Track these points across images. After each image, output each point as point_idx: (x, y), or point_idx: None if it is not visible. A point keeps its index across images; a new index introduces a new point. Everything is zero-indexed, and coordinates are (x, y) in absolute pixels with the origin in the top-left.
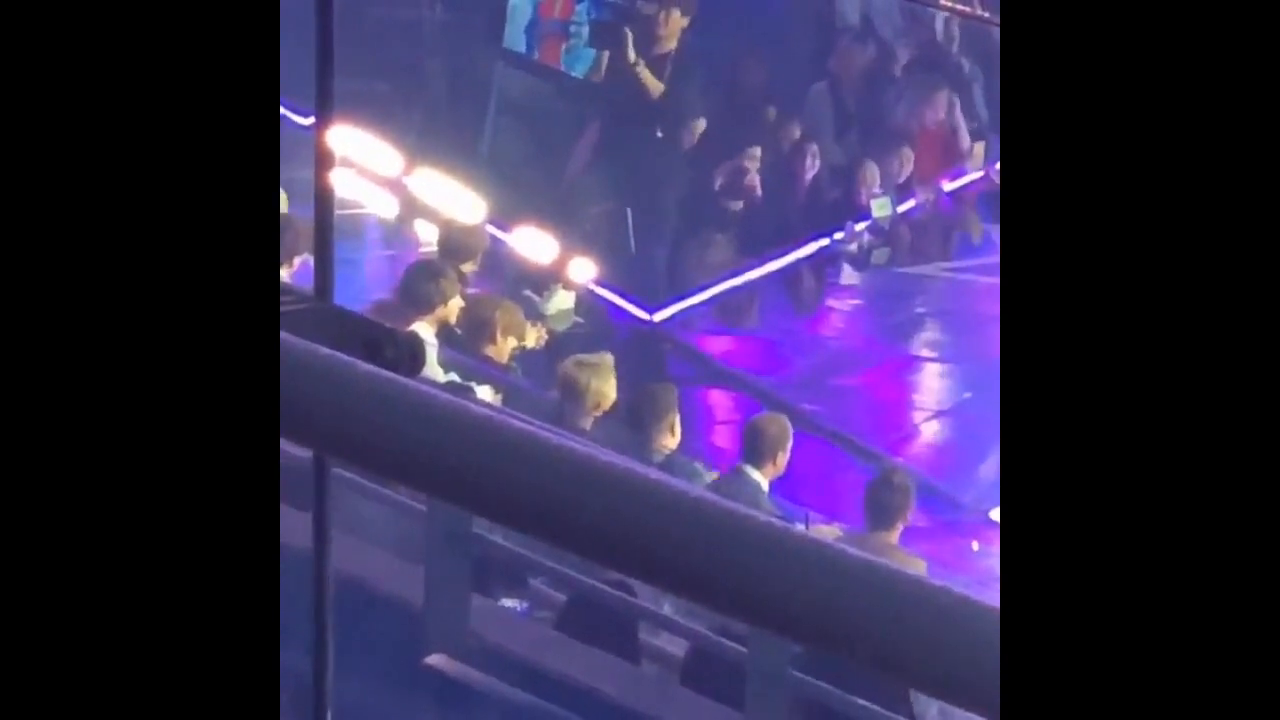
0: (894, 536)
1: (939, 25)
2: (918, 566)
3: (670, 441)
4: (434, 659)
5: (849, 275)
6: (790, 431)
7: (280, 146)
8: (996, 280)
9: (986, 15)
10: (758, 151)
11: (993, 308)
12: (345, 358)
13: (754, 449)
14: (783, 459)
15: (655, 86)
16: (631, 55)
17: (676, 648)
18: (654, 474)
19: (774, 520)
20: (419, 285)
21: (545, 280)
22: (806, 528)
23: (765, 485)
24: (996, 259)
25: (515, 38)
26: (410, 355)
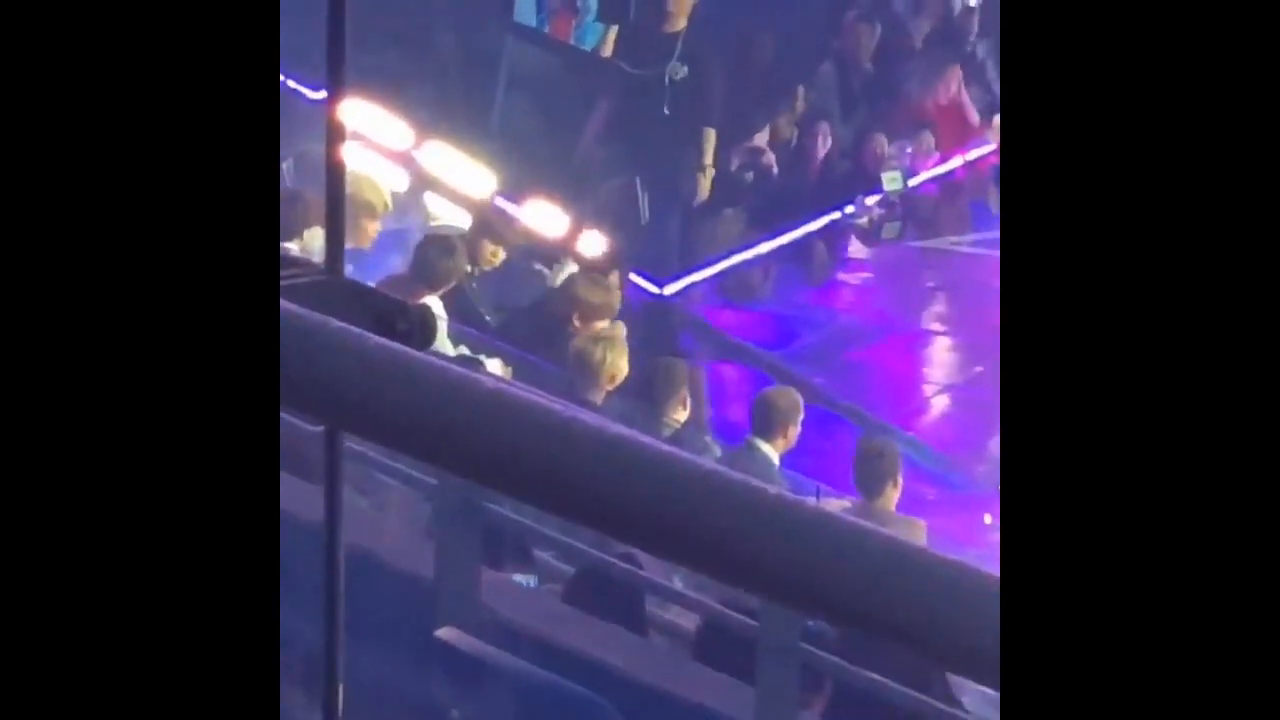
0: (890, 503)
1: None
2: (918, 529)
3: (681, 415)
4: (444, 632)
5: (859, 249)
6: (801, 405)
7: (289, 120)
8: (990, 254)
9: None
10: (767, 132)
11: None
12: (357, 330)
13: (764, 422)
14: (793, 432)
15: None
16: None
17: (686, 621)
18: (664, 447)
19: (780, 492)
20: (432, 260)
21: (555, 254)
22: (817, 500)
23: (776, 458)
24: (991, 233)
25: (525, 11)
26: (422, 328)
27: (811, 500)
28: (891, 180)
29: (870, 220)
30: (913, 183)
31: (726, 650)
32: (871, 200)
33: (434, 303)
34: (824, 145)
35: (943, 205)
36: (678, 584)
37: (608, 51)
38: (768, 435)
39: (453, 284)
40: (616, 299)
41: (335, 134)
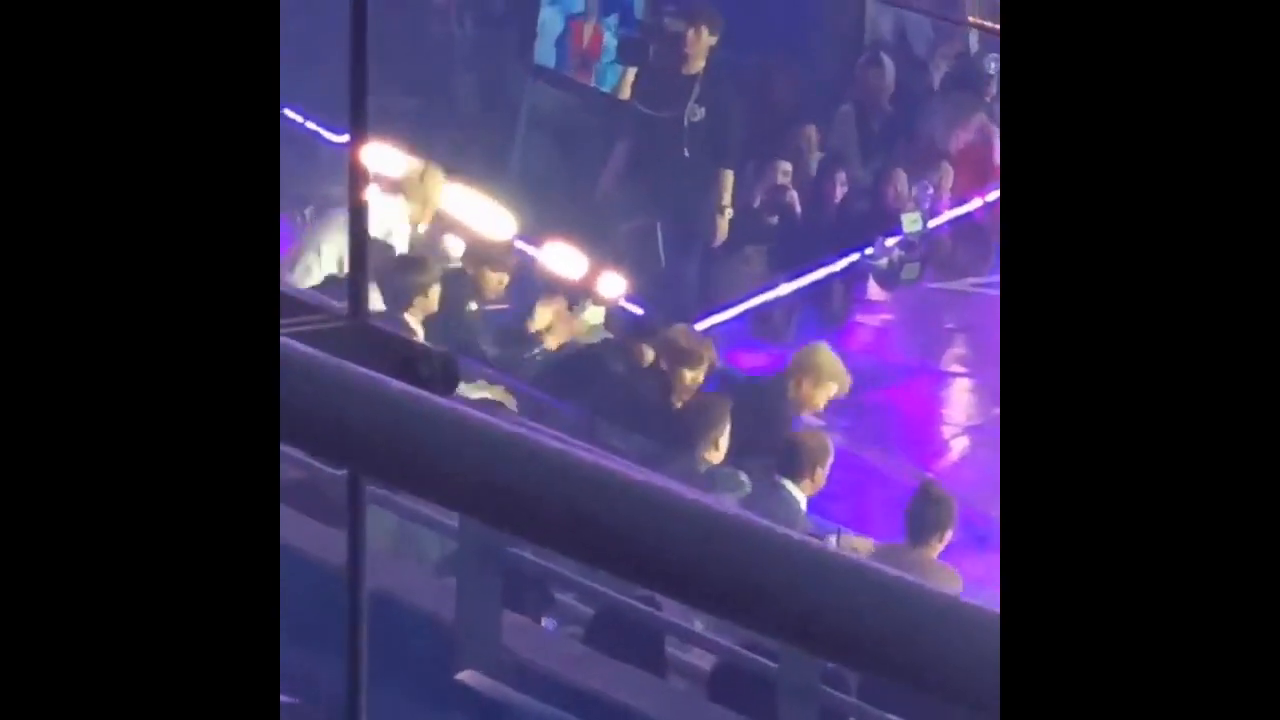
0: (933, 551)
1: (972, 39)
2: (953, 581)
3: (715, 455)
4: (465, 675)
5: (878, 291)
6: (830, 448)
7: (313, 164)
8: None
9: None
10: (788, 166)
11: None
12: (380, 376)
13: (792, 462)
14: (821, 475)
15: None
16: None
17: (706, 663)
18: (684, 492)
19: (797, 535)
20: (395, 279)
21: (575, 295)
22: (838, 542)
23: (803, 500)
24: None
25: (546, 53)
26: (445, 373)
27: (832, 540)
28: (911, 222)
29: (890, 262)
30: (932, 224)
31: (742, 690)
32: (891, 242)
33: (412, 321)
34: (841, 187)
35: (962, 247)
36: (698, 626)
37: (626, 93)
38: (795, 476)
39: (420, 299)
40: (710, 349)
41: (358, 178)
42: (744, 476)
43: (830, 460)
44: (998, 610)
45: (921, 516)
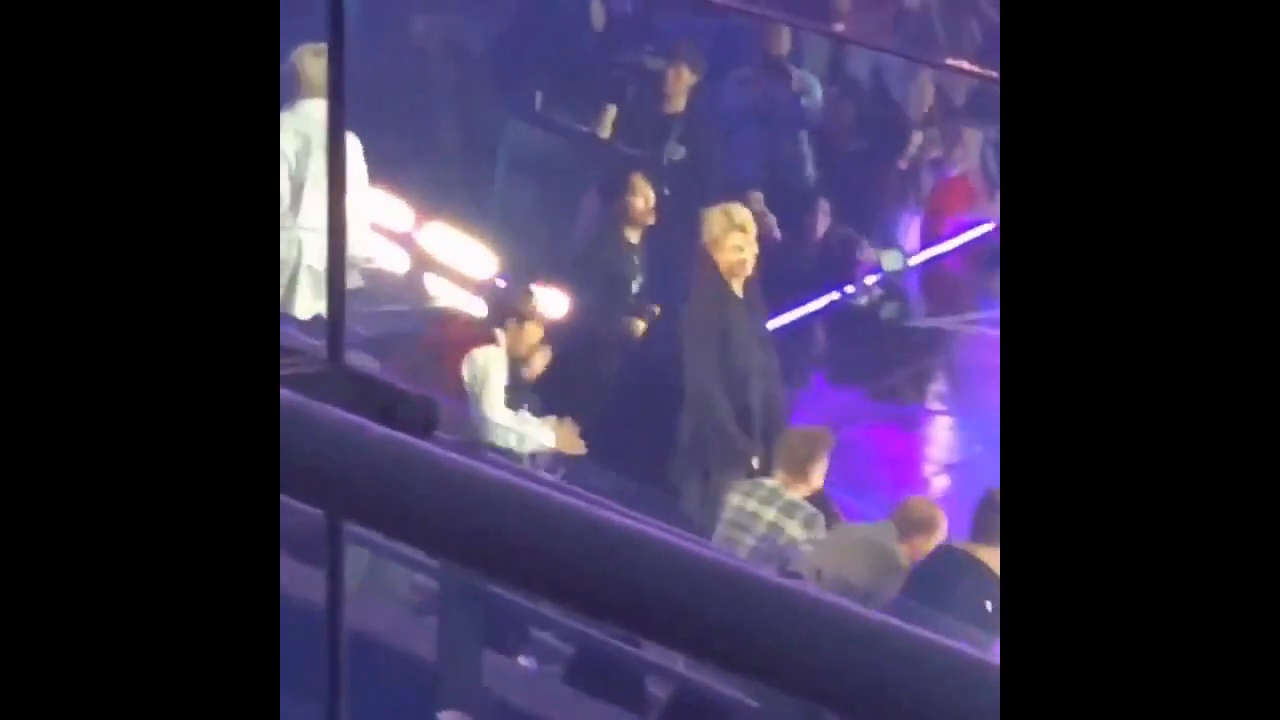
0: (996, 554)
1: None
2: None
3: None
4: (446, 715)
5: (859, 328)
6: (825, 443)
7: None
8: (993, 332)
9: (994, 75)
10: (760, 194)
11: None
12: (358, 419)
13: (785, 462)
14: (816, 474)
15: (674, 151)
16: (659, 112)
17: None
18: (665, 536)
19: (784, 582)
20: (502, 298)
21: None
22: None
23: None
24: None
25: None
26: (424, 417)
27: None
28: (891, 260)
29: (870, 300)
30: (913, 262)
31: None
32: (871, 280)
33: (496, 354)
34: (824, 222)
35: (944, 284)
36: (679, 665)
37: (607, 132)
38: (787, 477)
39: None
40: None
41: (337, 225)
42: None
43: (826, 454)
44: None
45: (987, 519)
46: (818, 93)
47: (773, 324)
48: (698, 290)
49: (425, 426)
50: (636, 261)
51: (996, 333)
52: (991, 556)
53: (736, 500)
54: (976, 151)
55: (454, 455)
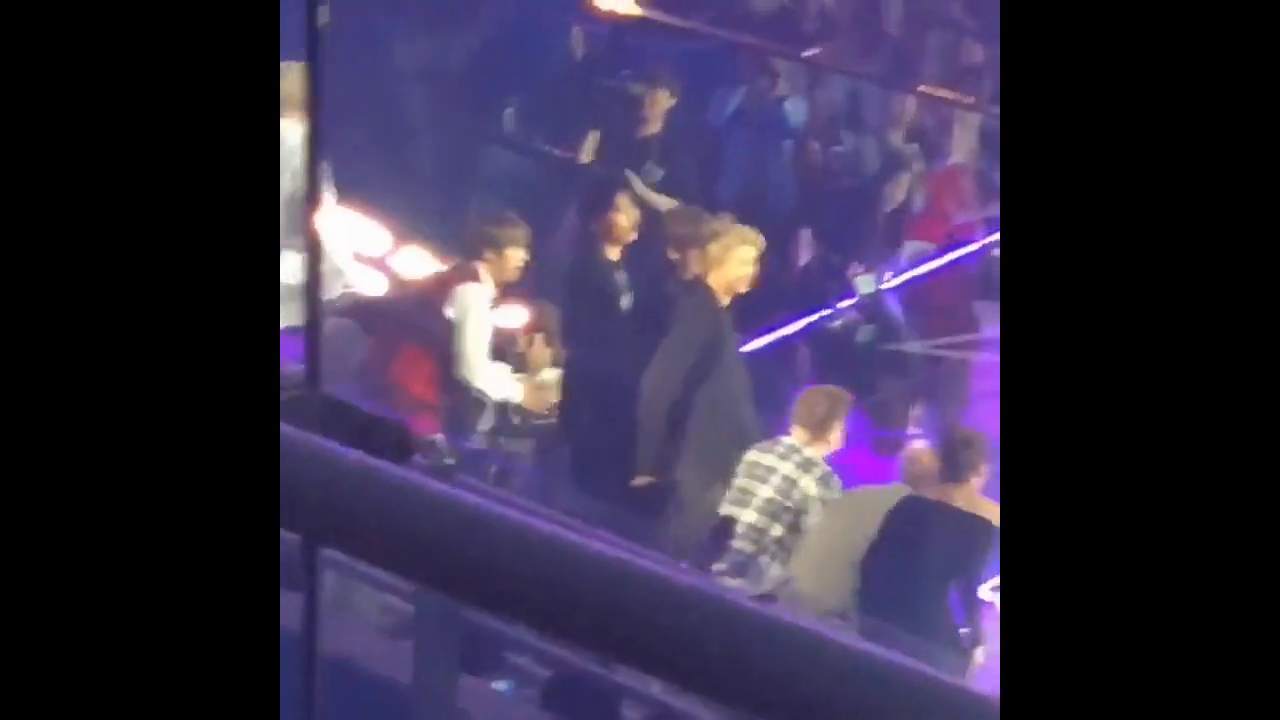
0: (974, 489)
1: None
2: (994, 520)
3: (826, 449)
4: None
5: (836, 352)
6: (844, 403)
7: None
8: (983, 357)
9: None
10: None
11: (978, 384)
12: (333, 445)
13: (805, 420)
14: (835, 434)
15: (653, 171)
16: (636, 136)
17: None
18: (639, 561)
19: (774, 612)
20: (485, 227)
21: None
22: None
23: (818, 457)
24: (983, 336)
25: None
26: (398, 442)
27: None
28: (865, 284)
29: (845, 325)
30: (885, 287)
31: None
32: (846, 304)
33: (485, 282)
34: (805, 253)
35: (919, 309)
36: (653, 689)
37: (588, 157)
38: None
39: (490, 258)
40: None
41: (314, 251)
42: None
43: (845, 415)
44: (996, 697)
45: (954, 459)
46: (802, 115)
47: (750, 346)
48: (685, 311)
49: (399, 452)
50: (619, 279)
51: (977, 357)
52: (963, 496)
53: (753, 455)
54: (972, 137)
55: (427, 480)
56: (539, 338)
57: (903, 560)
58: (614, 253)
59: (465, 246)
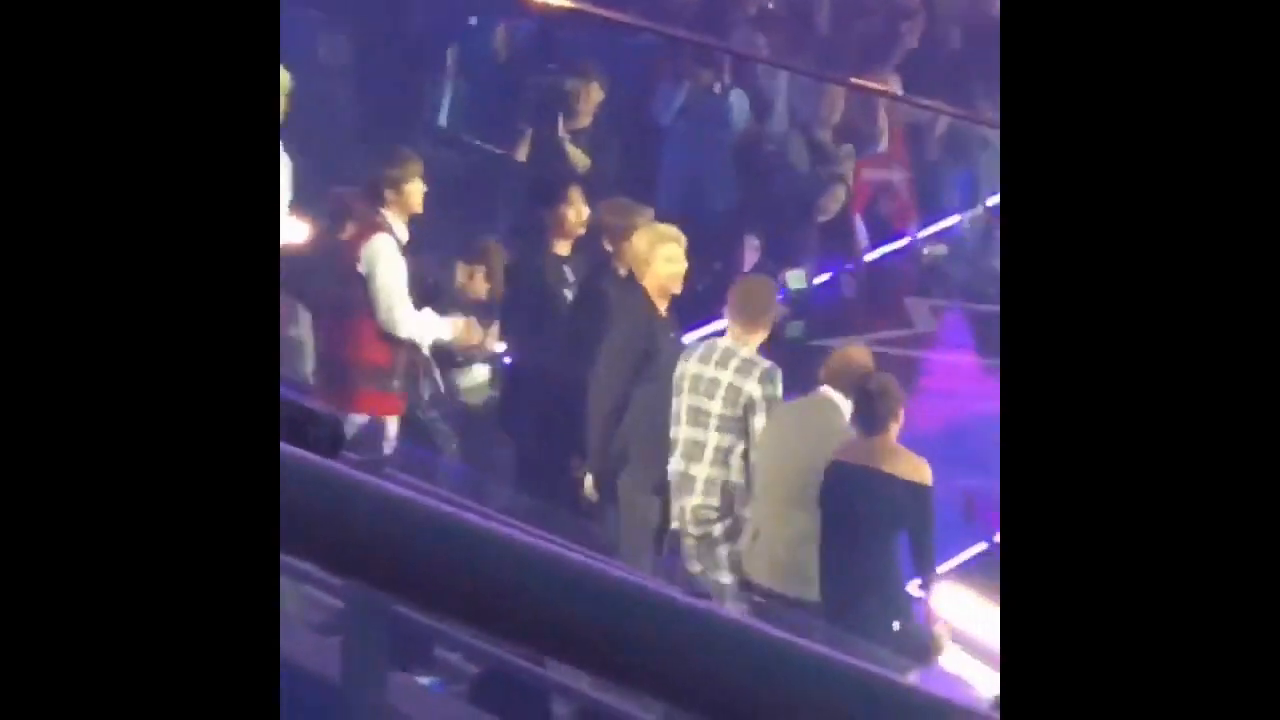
0: (892, 437)
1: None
2: (921, 466)
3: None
4: None
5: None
6: (774, 290)
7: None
8: (914, 354)
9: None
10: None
11: (911, 381)
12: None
13: (834, 377)
14: (768, 320)
15: (581, 160)
16: (561, 130)
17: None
18: (586, 559)
19: (693, 602)
20: (379, 169)
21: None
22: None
23: (846, 408)
24: (915, 332)
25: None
26: (331, 436)
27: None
28: (795, 279)
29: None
30: (817, 282)
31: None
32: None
33: (395, 221)
34: (752, 258)
35: (849, 304)
36: (583, 685)
37: (523, 154)
38: (844, 391)
39: (391, 200)
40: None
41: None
42: None
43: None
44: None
45: (871, 409)
46: (745, 109)
47: (686, 338)
48: (622, 324)
49: (332, 446)
50: (566, 273)
51: (905, 354)
52: (884, 447)
53: (694, 368)
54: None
55: (360, 475)
56: (479, 272)
57: (846, 540)
58: (563, 248)
59: (367, 195)
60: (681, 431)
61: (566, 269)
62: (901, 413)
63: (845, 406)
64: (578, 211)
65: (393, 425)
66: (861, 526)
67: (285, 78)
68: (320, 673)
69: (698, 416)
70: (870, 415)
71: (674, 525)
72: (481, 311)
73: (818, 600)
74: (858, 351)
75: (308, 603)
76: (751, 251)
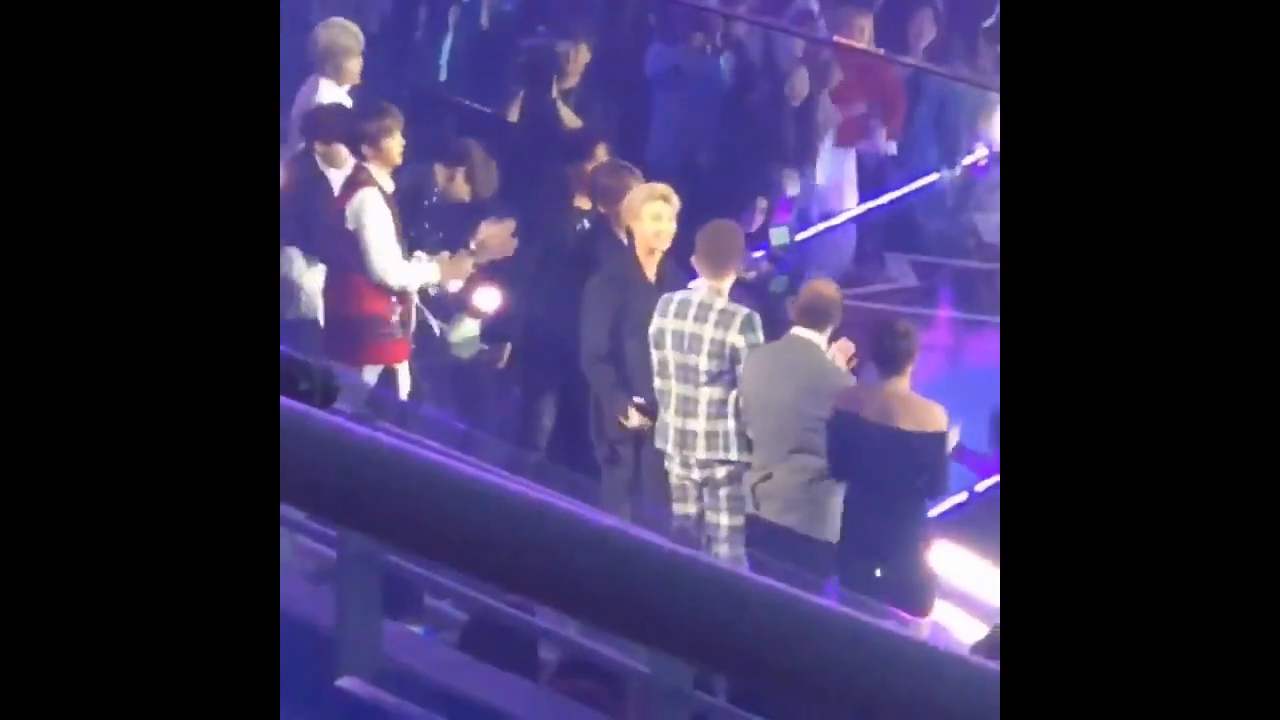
0: (907, 381)
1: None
2: (939, 414)
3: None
4: (345, 681)
5: (752, 302)
6: (740, 234)
7: None
8: (895, 308)
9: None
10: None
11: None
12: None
13: (810, 315)
14: (738, 264)
15: (572, 120)
16: (554, 91)
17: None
18: (584, 512)
19: (743, 574)
20: (357, 124)
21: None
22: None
23: (822, 343)
24: (895, 286)
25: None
26: (324, 387)
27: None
28: (778, 235)
29: (757, 275)
30: (800, 238)
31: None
32: (758, 254)
33: (381, 175)
34: (759, 219)
35: (833, 259)
36: (570, 631)
37: (515, 115)
38: (816, 327)
39: (370, 154)
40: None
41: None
42: None
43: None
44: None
45: (890, 350)
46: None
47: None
48: (605, 267)
49: (325, 398)
50: (587, 226)
51: (879, 307)
52: (901, 389)
53: (673, 324)
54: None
55: (351, 425)
56: (459, 173)
57: (871, 494)
58: (585, 202)
59: (349, 150)
60: (672, 386)
61: (587, 222)
62: (916, 358)
63: (820, 341)
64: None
65: (404, 372)
66: (886, 480)
67: (357, 33)
68: (313, 620)
69: (686, 373)
70: (891, 355)
71: (675, 473)
72: (465, 213)
73: (835, 541)
74: (823, 284)
75: (301, 552)
76: (760, 214)
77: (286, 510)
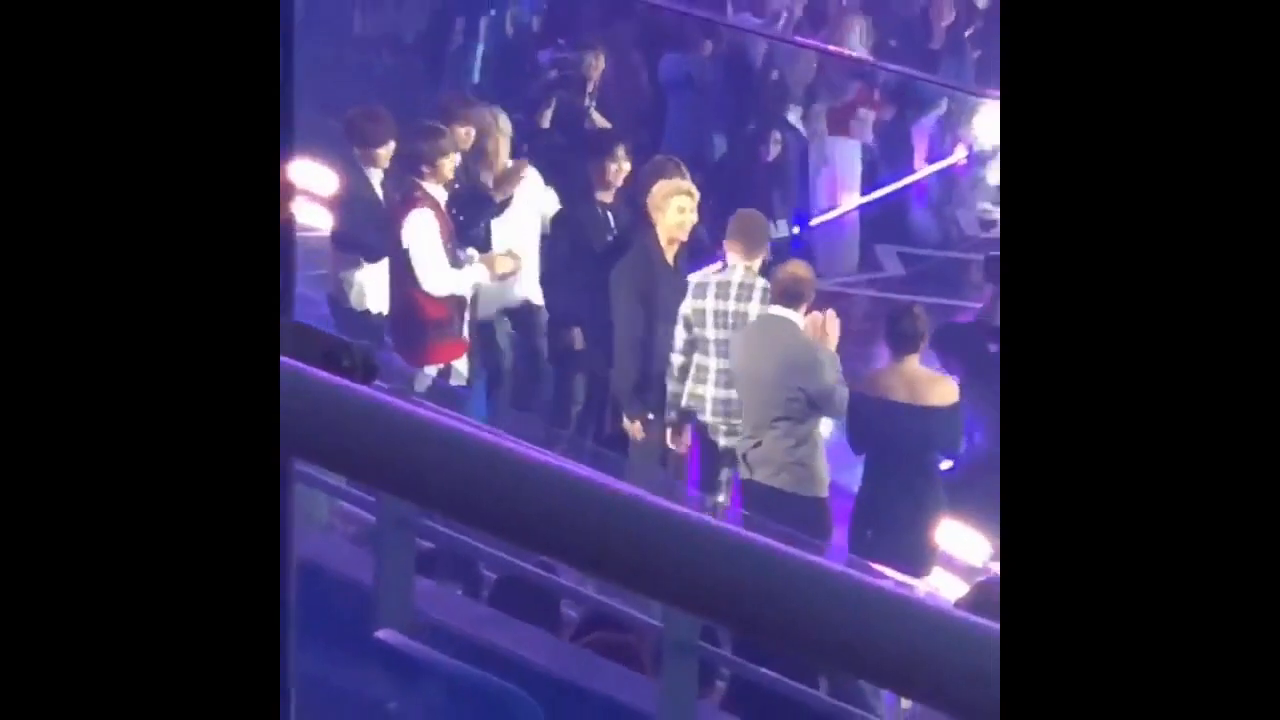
0: (918, 361)
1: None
2: (950, 384)
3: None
4: (383, 633)
5: None
6: (767, 226)
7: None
8: (883, 295)
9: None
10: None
11: (866, 323)
12: (306, 367)
13: (787, 295)
14: (764, 250)
15: (602, 122)
16: (585, 99)
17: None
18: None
19: (755, 537)
20: (415, 144)
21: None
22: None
23: (798, 320)
24: (883, 275)
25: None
26: (364, 364)
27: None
28: (783, 229)
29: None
30: (795, 231)
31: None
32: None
33: (436, 190)
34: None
35: (826, 248)
36: (589, 590)
37: (547, 123)
38: (793, 305)
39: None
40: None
41: (285, 189)
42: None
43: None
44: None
45: (901, 331)
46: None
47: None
48: (631, 252)
49: (365, 374)
50: (609, 219)
51: (871, 294)
52: (912, 367)
53: (713, 305)
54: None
55: (391, 399)
56: (442, 160)
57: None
58: (606, 196)
59: (404, 161)
60: (710, 362)
61: (609, 215)
62: (928, 339)
63: (797, 318)
64: (619, 165)
65: (462, 365)
66: (907, 459)
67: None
68: (355, 579)
69: (727, 348)
70: (908, 336)
71: (723, 443)
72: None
73: (822, 496)
74: (797, 266)
75: (343, 516)
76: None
77: (331, 477)
